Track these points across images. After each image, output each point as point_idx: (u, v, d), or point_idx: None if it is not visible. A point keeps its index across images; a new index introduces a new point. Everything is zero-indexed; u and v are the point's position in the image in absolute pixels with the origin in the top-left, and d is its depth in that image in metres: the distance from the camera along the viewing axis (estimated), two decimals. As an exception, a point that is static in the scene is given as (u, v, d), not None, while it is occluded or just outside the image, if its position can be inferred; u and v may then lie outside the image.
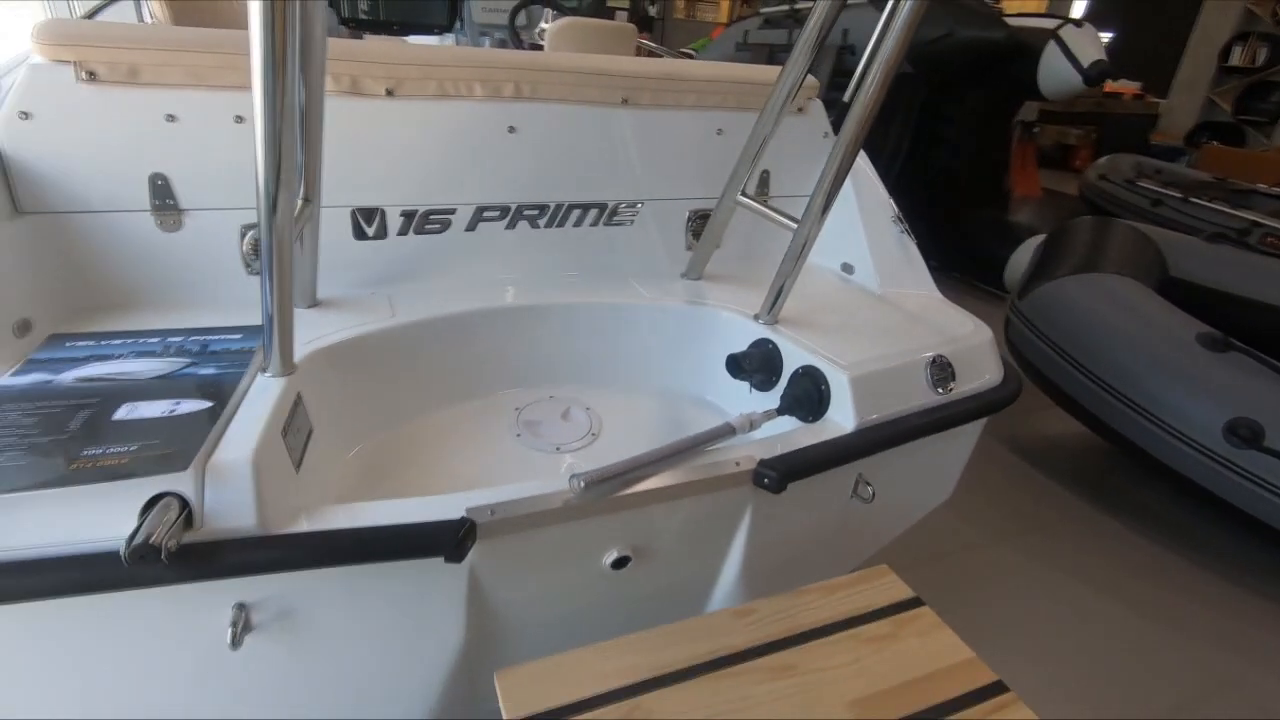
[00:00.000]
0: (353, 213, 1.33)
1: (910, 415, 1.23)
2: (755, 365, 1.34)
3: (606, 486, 0.96)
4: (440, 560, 0.86)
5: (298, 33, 0.76)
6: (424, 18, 3.09)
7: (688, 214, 1.63)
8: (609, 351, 1.46)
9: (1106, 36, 12.13)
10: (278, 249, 0.85)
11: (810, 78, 1.64)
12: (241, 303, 1.23)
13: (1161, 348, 2.21)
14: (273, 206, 0.80)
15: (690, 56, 6.17)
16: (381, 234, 1.36)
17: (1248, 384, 2.06)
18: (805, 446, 1.11)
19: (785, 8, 5.00)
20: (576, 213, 1.51)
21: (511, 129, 1.39)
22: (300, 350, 1.09)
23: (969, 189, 4.51)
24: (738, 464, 1.05)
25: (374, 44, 1.31)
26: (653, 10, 12.57)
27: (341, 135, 1.26)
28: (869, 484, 1.25)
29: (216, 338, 1.13)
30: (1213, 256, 2.82)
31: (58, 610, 0.79)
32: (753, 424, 1.15)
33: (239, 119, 1.18)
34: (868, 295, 1.59)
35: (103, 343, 1.09)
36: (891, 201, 1.71)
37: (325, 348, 1.14)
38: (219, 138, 1.18)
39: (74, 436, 0.85)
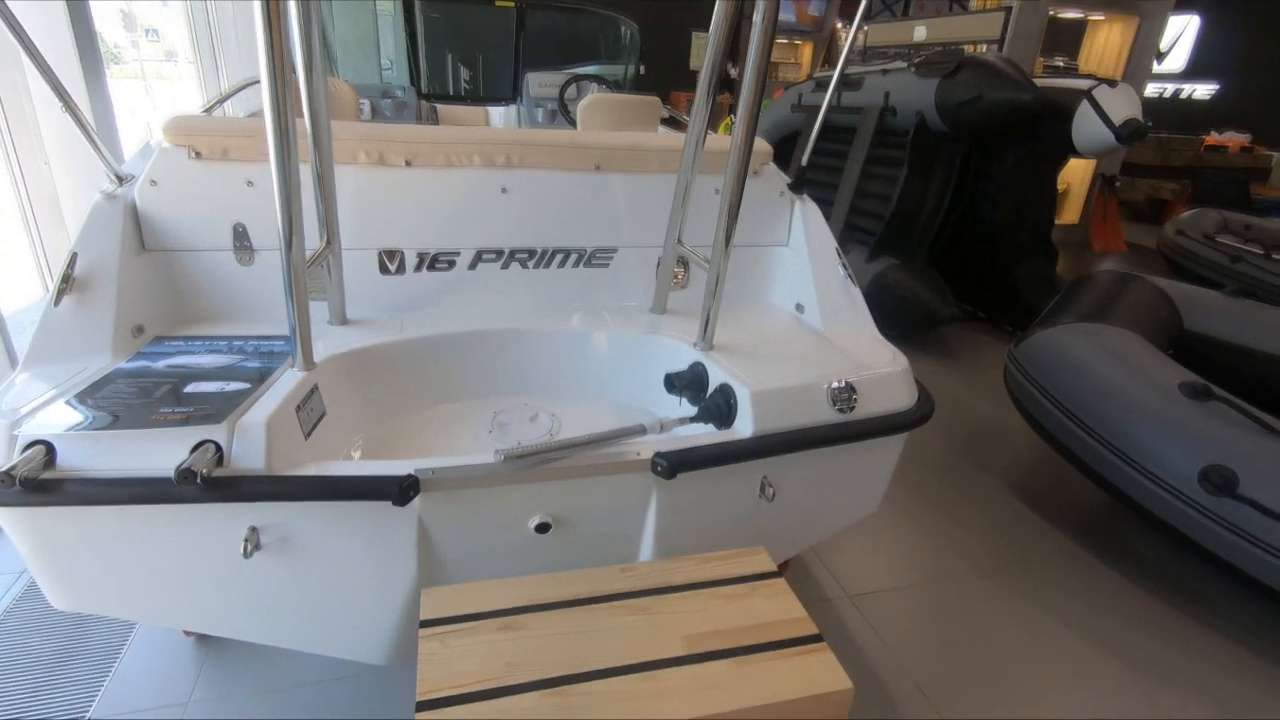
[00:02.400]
0: (379, 254, 1.72)
1: (807, 428, 1.45)
2: (685, 383, 1.60)
3: (524, 461, 1.25)
4: (390, 505, 1.18)
5: (294, 120, 1.13)
6: (491, 93, 3.59)
7: (658, 259, 1.92)
8: (576, 370, 1.76)
9: (1210, 88, 11.63)
10: (295, 278, 1.22)
11: (762, 144, 1.93)
12: (282, 314, 1.63)
13: (1144, 395, 2.28)
14: (289, 246, 1.18)
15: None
16: (400, 271, 1.74)
17: (1226, 432, 2.10)
18: (701, 445, 1.36)
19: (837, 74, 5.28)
20: (560, 256, 1.84)
21: (504, 190, 1.75)
22: (323, 354, 1.47)
23: (1013, 242, 4.57)
24: (639, 453, 1.32)
25: (396, 128, 1.71)
26: (733, 72, 13.17)
27: (371, 195, 1.67)
28: (772, 485, 1.48)
29: (267, 343, 1.52)
30: (1230, 311, 2.81)
31: (134, 514, 1.16)
32: (663, 426, 1.41)
33: None
34: (808, 331, 1.83)
35: (189, 343, 1.51)
36: (839, 251, 1.93)
37: (343, 353, 1.51)
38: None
39: (156, 401, 1.24)
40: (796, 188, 2.03)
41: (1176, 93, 12.24)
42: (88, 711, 1.58)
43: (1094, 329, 2.57)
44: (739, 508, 1.49)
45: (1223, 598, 2.26)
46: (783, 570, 2.11)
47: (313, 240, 1.50)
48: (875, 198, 4.71)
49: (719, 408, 1.48)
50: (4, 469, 1.05)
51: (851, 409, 1.51)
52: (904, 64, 4.57)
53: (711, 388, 1.56)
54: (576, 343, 1.76)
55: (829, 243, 1.93)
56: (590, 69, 3.94)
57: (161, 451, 1.13)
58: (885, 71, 4.71)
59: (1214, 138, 10.32)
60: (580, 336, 1.76)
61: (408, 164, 1.68)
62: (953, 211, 4.65)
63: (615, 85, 3.73)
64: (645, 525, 1.42)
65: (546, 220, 1.80)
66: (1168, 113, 11.99)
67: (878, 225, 4.54)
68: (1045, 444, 2.65)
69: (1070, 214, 8.12)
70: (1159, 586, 2.30)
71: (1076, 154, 3.98)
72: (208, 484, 1.11)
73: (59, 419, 1.16)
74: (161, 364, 1.40)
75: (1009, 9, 5.42)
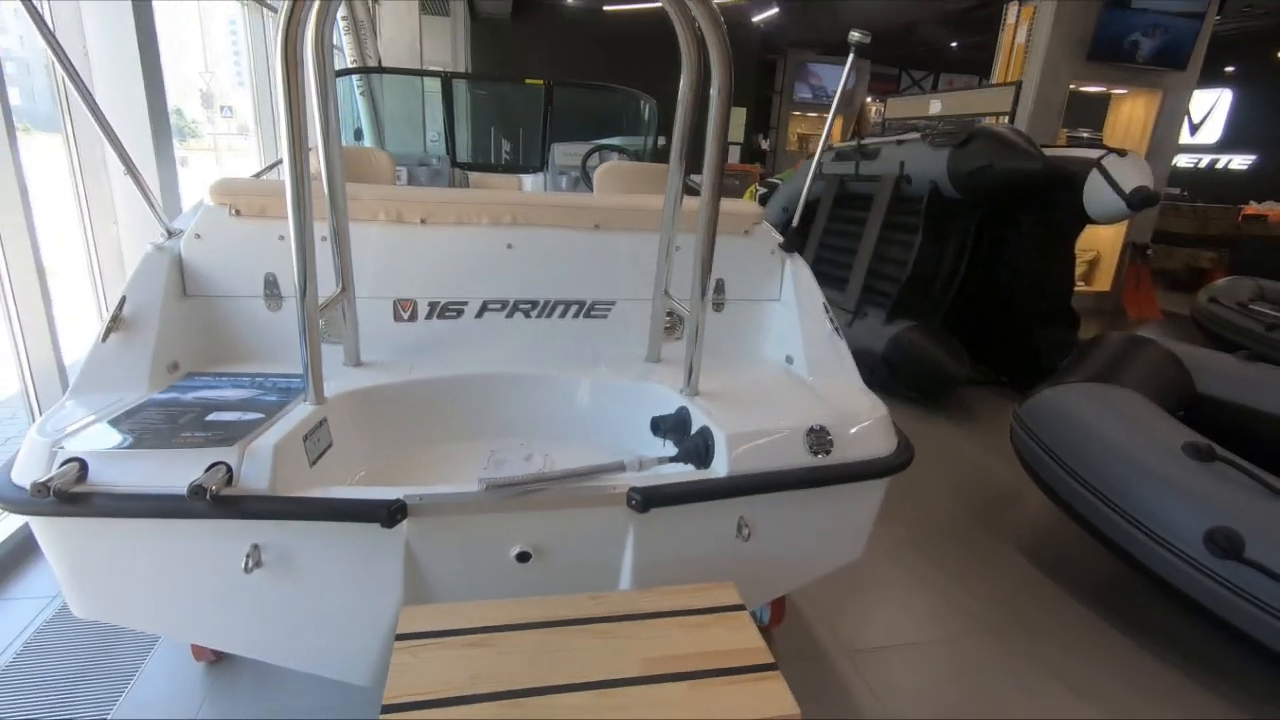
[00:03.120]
0: (394, 303, 1.87)
1: (782, 470, 1.52)
2: (670, 426, 1.68)
3: (505, 491, 1.34)
4: (379, 526, 1.28)
5: (309, 183, 1.30)
6: (522, 162, 3.85)
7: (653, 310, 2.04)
8: (571, 413, 1.86)
9: (1247, 159, 11.57)
10: (309, 320, 1.37)
11: (753, 206, 2.06)
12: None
13: (1147, 455, 2.27)
14: (303, 292, 1.33)
15: (776, 185, 6.78)
16: (413, 319, 1.89)
17: (1230, 494, 2.08)
18: (675, 482, 1.44)
19: (854, 142, 5.49)
20: (561, 307, 1.98)
21: (510, 246, 1.91)
22: (335, 391, 1.60)
23: (1031, 307, 4.59)
24: (615, 488, 1.40)
25: (413, 190, 1.90)
26: (765, 144, 13.65)
27: (389, 249, 1.84)
28: (749, 525, 1.53)
29: (286, 380, 1.67)
30: (1242, 375, 2.79)
31: (151, 528, 1.28)
32: (643, 464, 1.49)
33: (322, 238, 1.77)
34: (795, 381, 1.90)
35: (217, 378, 1.66)
36: (827, 306, 2.02)
37: (352, 391, 1.65)
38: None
39: (180, 427, 1.38)
40: (788, 247, 2.14)
41: (1213, 163, 12.21)
42: (98, 727, 1.68)
43: (1098, 389, 2.58)
44: (716, 545, 1.54)
45: (1231, 664, 2.17)
46: (778, 618, 2.14)
47: (332, 288, 1.66)
48: (893, 262, 4.81)
49: (698, 449, 1.56)
50: (42, 481, 1.18)
51: (827, 453, 1.57)
52: (918, 135, 4.74)
53: (694, 431, 1.64)
54: (572, 388, 1.87)
55: (817, 298, 2.03)
56: (615, 140, 4.20)
57: (179, 471, 1.26)
58: (900, 142, 4.88)
59: (1253, 208, 10.20)
60: (576, 382, 1.87)
61: (423, 222, 1.85)
62: (969, 276, 4.71)
63: (635, 156, 3.96)
64: (623, 558, 1.48)
65: (549, 274, 1.94)
66: (1205, 183, 11.95)
67: (895, 289, 4.62)
68: (1058, 508, 2.62)
69: (1102, 282, 8.08)
70: (1167, 652, 2.23)
71: (1091, 221, 4.04)
72: (216, 501, 1.22)
73: (94, 439, 1.30)
74: (190, 396, 1.55)
75: (1019, 84, 5.60)
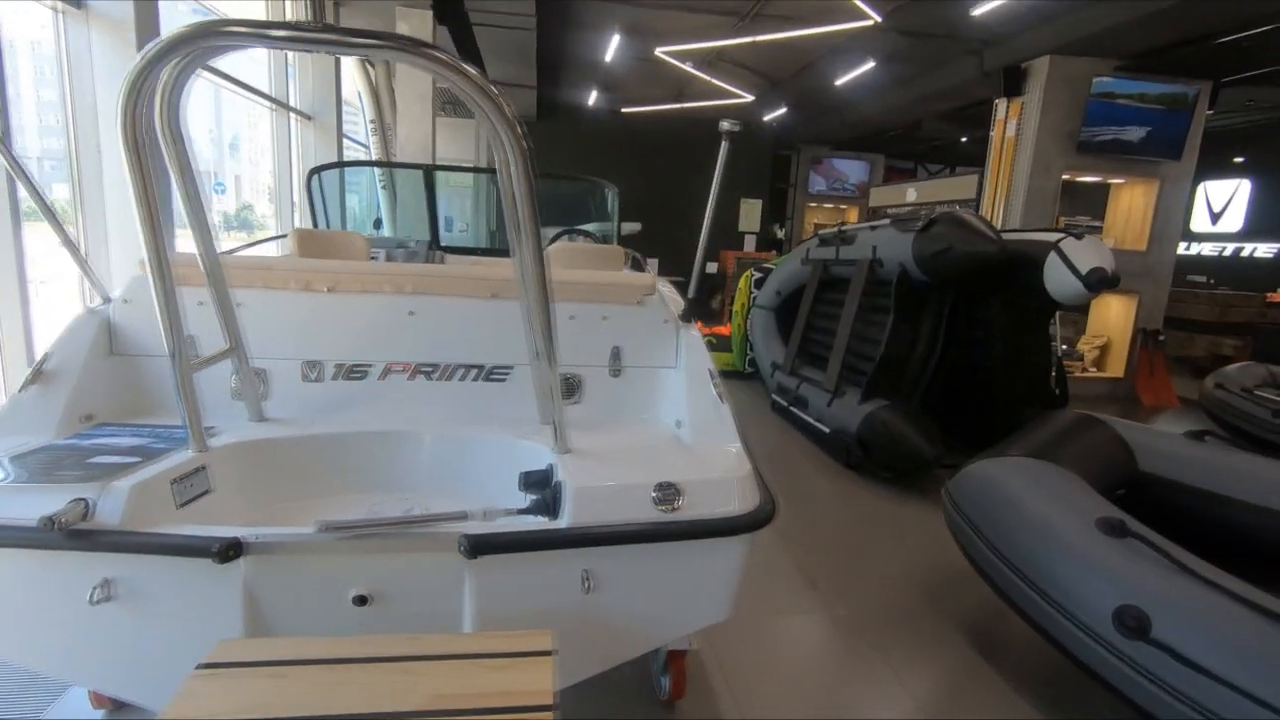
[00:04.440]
0: (301, 364, 2.03)
1: (623, 524, 1.56)
2: (534, 481, 1.75)
3: (339, 533, 1.42)
4: (213, 563, 1.37)
5: (168, 260, 1.47)
6: (491, 245, 4.09)
7: None
8: (457, 470, 1.95)
9: (1272, 247, 11.39)
10: (183, 376, 1.52)
11: (644, 278, 2.20)
12: (225, 414, 1.92)
13: (1062, 530, 2.22)
14: (174, 353, 1.48)
15: (770, 270, 6.96)
16: (320, 379, 2.04)
17: (1141, 571, 2.01)
18: (512, 531, 1.50)
19: (836, 228, 5.67)
20: (461, 371, 2.10)
21: (411, 313, 2.06)
22: (228, 441, 1.73)
23: (1010, 388, 4.55)
24: (449, 535, 1.47)
25: (321, 262, 2.09)
26: (780, 233, 14.03)
27: (297, 315, 2.01)
28: (593, 578, 1.57)
29: (183, 430, 1.80)
30: (1185, 454, 2.72)
31: (8, 557, 1.40)
32: (487, 515, 1.56)
33: (238, 304, 1.95)
34: (673, 442, 1.96)
35: (122, 428, 1.81)
36: (712, 372, 2.10)
37: (241, 442, 1.77)
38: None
39: (61, 466, 1.51)
40: (686, 317, 2.25)
41: (1238, 251, 12.05)
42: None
43: (1026, 464, 2.55)
44: (560, 597, 1.57)
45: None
46: (679, 691, 2.09)
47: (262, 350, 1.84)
48: (870, 342, 4.86)
49: (547, 501, 1.62)
50: None
51: (674, 509, 1.61)
52: (888, 221, 4.89)
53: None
54: (458, 446, 1.96)
55: (704, 364, 2.11)
56: (589, 226, 4.46)
57: (45, 504, 1.38)
58: (874, 228, 5.03)
59: (1278, 295, 9.97)
60: (462, 440, 1.96)
61: (330, 290, 2.02)
62: (945, 357, 4.72)
63: (603, 239, 4.19)
64: (463, 606, 1.53)
65: (449, 340, 2.08)
66: (1231, 270, 11.76)
67: (871, 368, 4.66)
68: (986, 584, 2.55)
69: (1115, 368, 7.92)
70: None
71: (1053, 302, 4.06)
72: (66, 533, 1.34)
73: None
74: (89, 442, 1.69)
75: (980, 171, 5.76)
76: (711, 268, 13.23)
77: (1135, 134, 6.97)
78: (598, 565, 1.58)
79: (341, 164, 4.67)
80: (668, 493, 1.62)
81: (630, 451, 1.87)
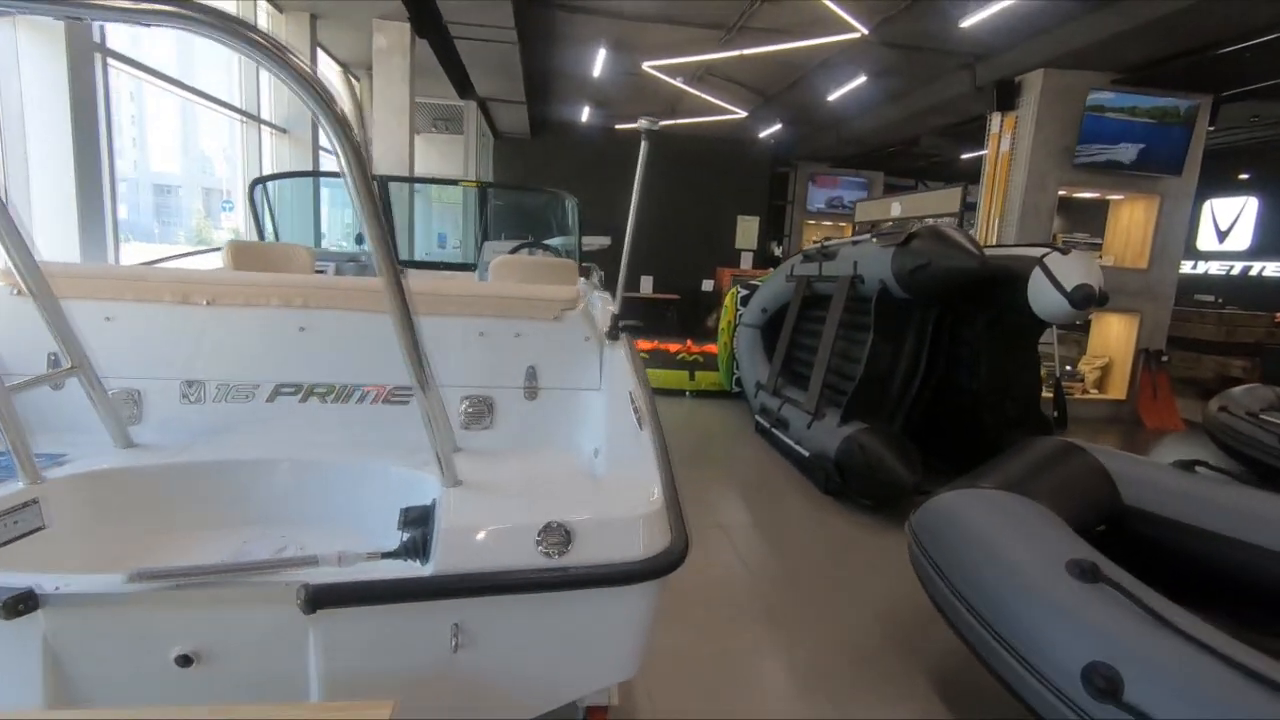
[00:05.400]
0: (180, 384, 1.84)
1: (499, 571, 1.36)
2: (413, 518, 1.54)
3: (153, 583, 1.23)
4: (2, 617, 1.17)
5: None
6: (453, 260, 3.93)
7: (460, 399, 1.96)
8: (342, 502, 1.75)
9: (1283, 266, 11.10)
10: (4, 405, 1.33)
11: (563, 290, 2.01)
12: (86, 439, 1.73)
13: (1028, 573, 1.99)
14: None
15: (756, 287, 6.78)
16: (201, 400, 1.85)
17: (1112, 622, 1.78)
18: (357, 581, 1.29)
19: (818, 245, 5.48)
20: (358, 392, 1.91)
21: (302, 329, 1.88)
22: (66, 471, 1.54)
23: (997, 410, 4.31)
24: (286, 584, 1.27)
25: (197, 272, 1.91)
26: (778, 250, 13.86)
27: (175, 330, 1.83)
28: (464, 634, 1.36)
29: (41, 458, 1.62)
30: (1173, 486, 2.48)
31: None
32: (342, 559, 1.36)
33: (106, 318, 1.78)
34: (583, 474, 1.76)
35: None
36: (633, 395, 1.90)
37: (88, 472, 1.58)
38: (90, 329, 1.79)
39: None
40: (613, 335, 2.06)
41: (1245, 270, 11.76)
42: None
43: (992, 496, 2.32)
44: (423, 656, 1.37)
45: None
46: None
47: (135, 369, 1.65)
48: (852, 362, 4.66)
49: (416, 544, 1.42)
50: None
51: (561, 554, 1.41)
52: (869, 235, 4.70)
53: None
54: (348, 476, 1.77)
55: (626, 386, 1.92)
56: (555, 241, 4.29)
57: None
58: (855, 243, 4.84)
59: (1292, 314, 9.68)
60: (350, 470, 1.77)
61: (209, 303, 1.85)
62: (930, 377, 4.50)
63: (566, 252, 4.02)
64: (309, 668, 1.33)
65: (344, 358, 1.90)
66: (1240, 289, 11.46)
67: (852, 389, 4.44)
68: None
69: (1116, 389, 7.65)
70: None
71: (1038, 320, 3.84)
72: None
73: None
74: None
75: (965, 185, 5.57)
76: (708, 285, 13.08)
77: (1132, 149, 6.77)
78: (470, 618, 1.38)
79: (285, 175, 4.54)
80: (555, 535, 1.41)
81: (530, 485, 1.67)
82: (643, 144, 1.96)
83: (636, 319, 13.24)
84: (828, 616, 2.92)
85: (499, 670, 1.42)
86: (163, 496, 1.68)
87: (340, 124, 1.12)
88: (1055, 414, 7.11)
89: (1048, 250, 3.73)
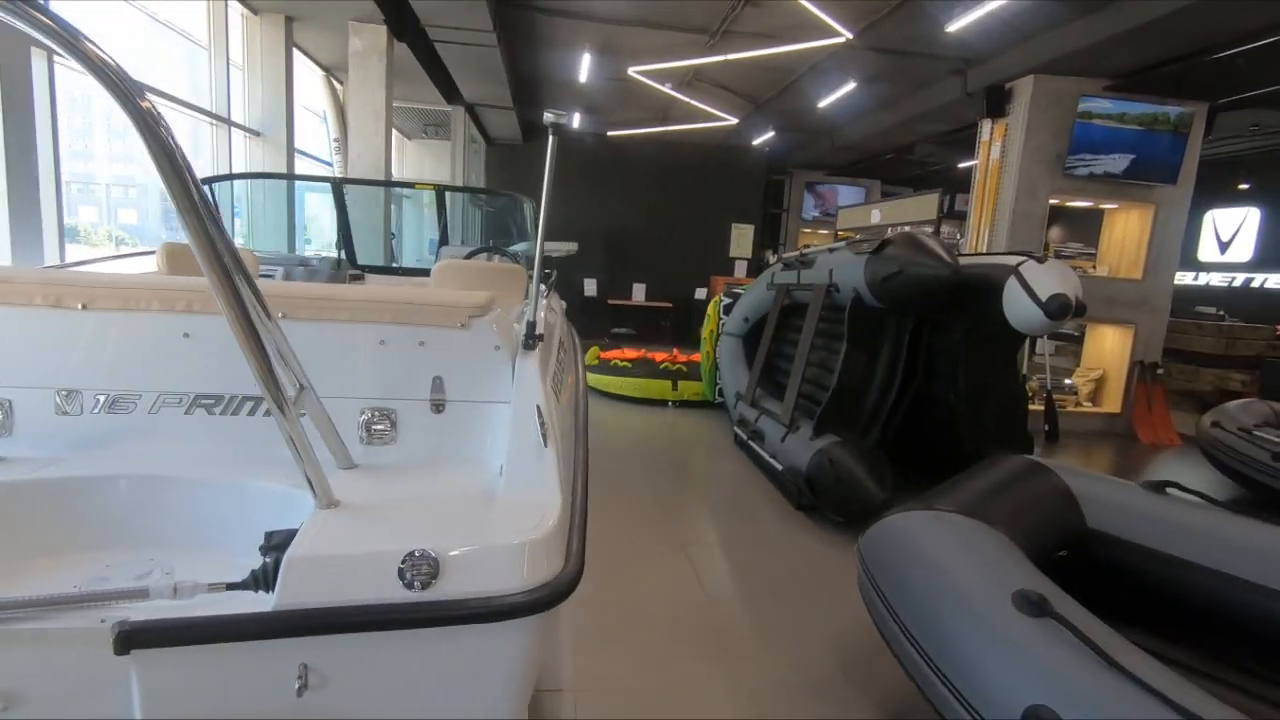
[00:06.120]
0: (55, 394, 1.72)
1: (351, 606, 1.23)
2: (275, 543, 1.40)
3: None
4: None
5: None
6: (412, 266, 3.81)
7: (361, 410, 1.83)
8: (219, 523, 1.61)
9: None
10: None
11: (474, 296, 1.88)
12: None
13: (971, 604, 1.84)
14: None
15: (739, 295, 6.65)
16: (79, 412, 1.73)
17: (1058, 662, 1.64)
18: (181, 617, 1.16)
19: (797, 253, 5.35)
20: (250, 404, 1.78)
21: (186, 334, 1.75)
22: None
23: (975, 424, 4.16)
24: (103, 620, 1.14)
25: (72, 273, 1.79)
26: (771, 258, 13.74)
27: (48, 335, 1.71)
28: (312, 676, 1.23)
29: None
30: (1141, 508, 2.33)
31: None
32: (177, 590, 1.23)
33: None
34: (480, 495, 1.62)
35: None
36: (540, 409, 1.76)
37: None
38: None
39: None
40: (529, 344, 1.93)
41: (1247, 281, 11.57)
42: None
43: (943, 519, 2.18)
44: (264, 702, 1.23)
45: None
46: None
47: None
48: (827, 372, 4.52)
49: (269, 573, 1.28)
50: None
51: (426, 586, 1.27)
52: (844, 243, 4.57)
53: (296, 550, 1.37)
54: (230, 494, 1.63)
55: (533, 399, 1.78)
56: (519, 246, 4.17)
57: None
58: (831, 250, 4.71)
59: (1298, 327, 9.48)
60: (236, 489, 1.63)
61: (84, 307, 1.72)
62: (906, 389, 4.35)
63: (513, 258, 3.90)
64: (134, 714, 1.19)
65: (235, 367, 1.76)
66: (1242, 301, 11.26)
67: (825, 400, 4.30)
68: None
69: (1111, 402, 7.48)
70: None
71: (1012, 330, 3.69)
72: None
73: None
74: None
75: (942, 191, 5.44)
76: (701, 293, 12.94)
77: (1123, 157, 6.62)
78: (321, 659, 1.24)
79: (233, 176, 4.45)
80: (420, 565, 1.28)
81: (416, 507, 1.53)
82: (550, 139, 1.83)
83: (630, 327, 13.14)
84: (782, 641, 2.77)
85: (356, 716, 1.28)
86: (22, 515, 1.55)
87: (145, 118, 1.00)
88: (1046, 427, 6.95)
89: (1024, 259, 3.58)
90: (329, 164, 7.60)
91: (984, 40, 6.34)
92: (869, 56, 7.03)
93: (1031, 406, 7.02)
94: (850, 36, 6.15)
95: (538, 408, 1.75)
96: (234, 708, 1.22)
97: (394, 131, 11.65)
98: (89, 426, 1.73)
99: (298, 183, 3.97)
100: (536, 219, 3.98)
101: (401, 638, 1.27)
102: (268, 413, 1.77)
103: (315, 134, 7.87)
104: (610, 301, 12.69)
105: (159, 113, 1.03)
